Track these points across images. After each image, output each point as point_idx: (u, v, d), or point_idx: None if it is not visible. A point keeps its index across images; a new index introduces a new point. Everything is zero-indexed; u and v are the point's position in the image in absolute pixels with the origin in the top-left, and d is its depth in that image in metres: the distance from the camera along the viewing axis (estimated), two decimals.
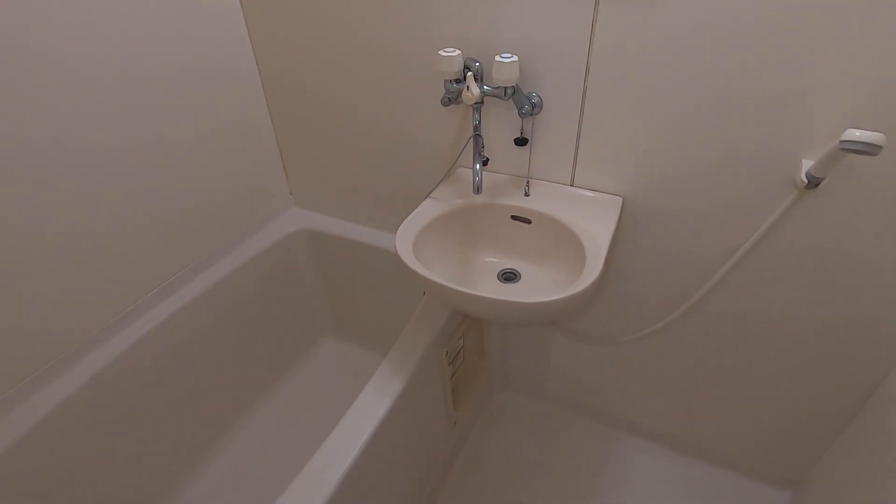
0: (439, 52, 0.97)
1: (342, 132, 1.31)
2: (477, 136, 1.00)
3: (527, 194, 1.09)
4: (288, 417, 1.52)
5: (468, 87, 0.96)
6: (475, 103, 1.00)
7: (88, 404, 1.08)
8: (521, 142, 1.08)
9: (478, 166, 0.93)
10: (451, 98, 1.05)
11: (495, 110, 1.07)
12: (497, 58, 0.93)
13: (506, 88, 0.97)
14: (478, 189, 0.93)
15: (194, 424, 1.35)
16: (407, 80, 1.14)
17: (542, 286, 1.05)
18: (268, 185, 1.47)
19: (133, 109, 1.07)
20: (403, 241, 0.98)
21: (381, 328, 1.60)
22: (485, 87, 0.99)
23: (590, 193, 1.09)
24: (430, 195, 1.11)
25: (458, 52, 0.97)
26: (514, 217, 1.09)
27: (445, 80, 1.03)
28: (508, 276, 1.10)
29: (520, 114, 1.00)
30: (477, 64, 1.00)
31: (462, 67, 1.00)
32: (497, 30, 0.98)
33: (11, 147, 0.89)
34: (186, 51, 1.13)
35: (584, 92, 0.98)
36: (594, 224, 1.00)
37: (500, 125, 1.09)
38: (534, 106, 1.02)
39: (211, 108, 1.23)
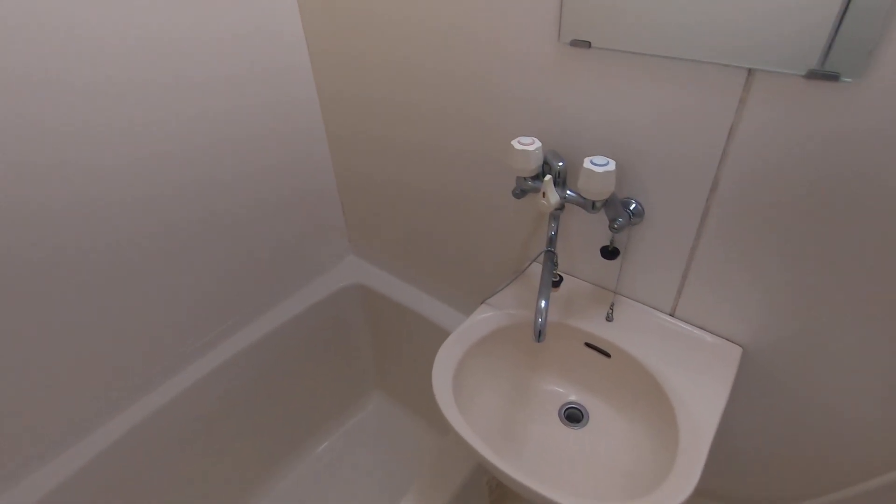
0: (514, 143, 0.76)
1: (404, 194, 1.14)
2: (550, 253, 0.78)
3: (609, 318, 0.85)
4: (328, 472, 1.43)
5: (544, 193, 0.74)
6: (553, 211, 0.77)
7: (144, 441, 1.06)
8: (610, 254, 0.83)
9: (543, 303, 0.71)
10: (525, 191, 0.83)
11: (580, 210, 0.84)
12: (587, 162, 0.69)
13: (594, 201, 0.73)
14: (539, 334, 0.71)
15: (235, 470, 1.30)
16: (475, 156, 0.94)
17: (614, 441, 0.82)
18: (327, 231, 1.35)
19: (199, 147, 0.98)
20: (442, 372, 0.79)
21: (425, 393, 1.45)
22: (568, 193, 0.76)
23: (695, 331, 0.83)
24: (488, 300, 0.91)
25: (537, 145, 0.75)
26: (588, 345, 0.86)
27: (518, 177, 0.81)
28: (573, 415, 0.88)
29: (611, 228, 0.76)
30: (561, 164, 0.77)
31: (541, 164, 0.78)
32: (590, 121, 0.74)
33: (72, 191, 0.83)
34: (254, 91, 1.02)
35: (706, 211, 0.71)
36: (696, 385, 0.74)
37: (585, 227, 0.86)
38: (631, 216, 0.77)
39: (274, 147, 1.12)
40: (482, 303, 0.92)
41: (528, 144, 0.75)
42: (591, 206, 0.74)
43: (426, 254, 1.21)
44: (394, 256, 1.32)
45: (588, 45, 0.69)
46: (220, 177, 1.04)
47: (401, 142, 1.05)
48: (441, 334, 1.22)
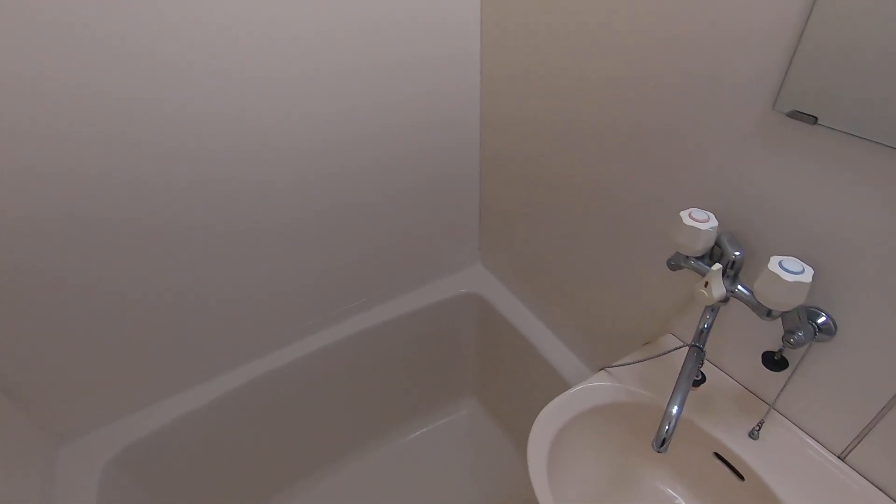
0: (683, 215, 0.64)
1: (546, 219, 1.07)
2: (697, 350, 0.66)
3: (754, 436, 0.71)
4: (409, 461, 1.47)
5: (707, 283, 0.62)
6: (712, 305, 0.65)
7: (264, 389, 1.19)
8: (774, 364, 0.69)
9: (675, 410, 0.61)
10: (682, 267, 0.71)
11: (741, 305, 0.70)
12: (775, 264, 0.56)
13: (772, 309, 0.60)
14: (662, 443, 0.61)
15: (328, 438, 1.40)
16: (633, 206, 0.83)
17: None
18: (461, 235, 1.34)
19: (359, 135, 1.02)
20: (541, 435, 0.73)
21: (520, 418, 1.40)
22: (738, 289, 0.64)
23: (868, 489, 0.65)
24: (609, 368, 0.82)
25: (712, 223, 0.63)
26: (718, 456, 0.73)
27: (679, 252, 0.69)
28: None
29: (786, 341, 0.62)
30: (737, 254, 0.64)
31: (710, 246, 0.65)
32: (791, 210, 0.60)
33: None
34: (419, 77, 1.02)
35: None
36: None
37: (748, 322, 0.71)
38: (817, 332, 0.62)
39: (428, 137, 1.11)
40: (601, 369, 0.83)
41: (702, 221, 0.64)
42: (767, 313, 0.61)
43: (555, 288, 1.13)
44: (520, 277, 1.26)
45: (813, 120, 0.55)
46: (369, 164, 1.07)
47: (555, 166, 0.97)
48: (549, 372, 1.15)
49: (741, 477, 0.71)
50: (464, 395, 1.59)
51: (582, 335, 1.10)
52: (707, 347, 0.80)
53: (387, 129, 1.04)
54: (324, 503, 1.39)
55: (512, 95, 1.00)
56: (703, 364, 0.71)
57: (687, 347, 0.67)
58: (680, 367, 0.66)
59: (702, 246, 0.64)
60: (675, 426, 0.60)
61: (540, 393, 1.24)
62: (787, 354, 0.68)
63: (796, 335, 0.61)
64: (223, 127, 0.86)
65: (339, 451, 1.45)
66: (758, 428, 0.71)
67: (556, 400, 0.78)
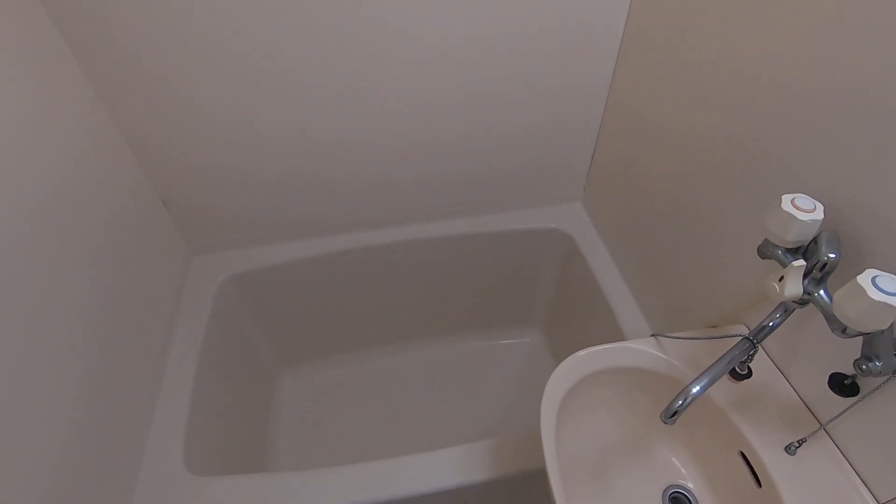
0: (784, 199, 0.57)
1: (652, 180, 0.99)
2: (748, 343, 0.61)
3: (791, 451, 0.66)
4: (462, 366, 1.59)
5: (783, 278, 0.56)
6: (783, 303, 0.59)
7: (371, 257, 1.35)
8: (841, 389, 0.62)
9: (696, 389, 0.58)
10: (770, 258, 0.64)
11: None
12: (867, 279, 0.49)
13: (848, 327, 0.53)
14: (672, 415, 0.59)
15: (402, 319, 1.55)
16: (737, 186, 0.74)
17: None
18: (570, 172, 1.31)
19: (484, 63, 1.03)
20: (563, 377, 0.76)
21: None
22: (818, 294, 0.56)
23: None
24: (660, 336, 0.79)
25: (816, 216, 0.55)
26: (743, 456, 0.70)
27: (767, 240, 0.62)
28: (678, 500, 0.76)
29: (858, 367, 0.54)
30: (832, 256, 0.55)
31: (807, 241, 0.57)
32: None
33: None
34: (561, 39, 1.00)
35: None
36: None
37: (821, 333, 0.63)
38: None
39: (560, 71, 1.08)
40: (653, 335, 0.80)
41: (806, 210, 0.56)
42: (841, 329, 0.54)
43: (644, 248, 1.07)
44: (614, 228, 1.21)
45: None
46: (500, 87, 1.08)
47: (672, 125, 0.88)
48: (614, 327, 1.13)
49: (759, 484, 0.68)
50: (532, 324, 1.63)
51: (657, 301, 1.05)
52: (774, 348, 0.73)
53: (522, 58, 1.03)
54: (379, 375, 1.56)
55: (650, 53, 0.90)
56: (750, 359, 0.66)
57: (740, 338, 0.62)
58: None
59: (793, 237, 0.57)
60: (689, 403, 0.58)
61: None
62: (860, 381, 0.60)
63: (871, 363, 0.54)
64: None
65: (408, 335, 1.60)
66: (797, 444, 0.66)
67: (593, 349, 0.79)
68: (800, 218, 0.55)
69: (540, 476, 0.83)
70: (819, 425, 0.67)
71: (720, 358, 0.61)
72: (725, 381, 0.71)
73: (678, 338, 0.78)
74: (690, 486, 0.77)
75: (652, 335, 0.80)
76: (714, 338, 0.75)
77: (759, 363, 0.74)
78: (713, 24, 0.76)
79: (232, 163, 1.09)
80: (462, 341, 1.63)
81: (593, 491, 0.77)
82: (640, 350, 0.78)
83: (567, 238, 1.35)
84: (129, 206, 0.98)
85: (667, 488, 0.77)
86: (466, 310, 1.57)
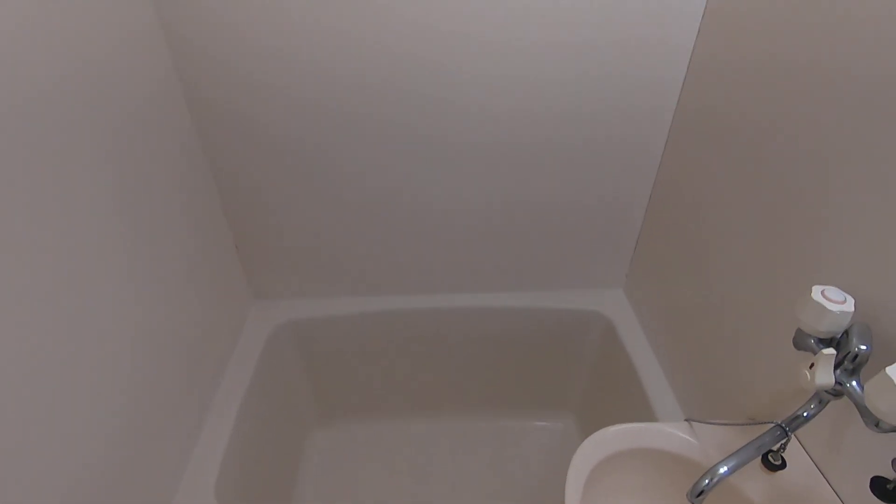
0: (814, 290, 0.60)
1: (696, 272, 1.03)
2: (780, 430, 0.61)
3: None
4: (489, 444, 1.56)
5: (813, 367, 0.58)
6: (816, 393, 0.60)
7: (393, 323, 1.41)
8: (886, 495, 0.59)
9: (723, 469, 0.58)
10: (805, 349, 0.65)
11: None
12: None
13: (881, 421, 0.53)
14: (699, 493, 0.59)
15: (428, 388, 1.56)
16: (780, 280, 0.76)
17: None
18: (615, 251, 1.36)
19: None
20: (589, 453, 0.76)
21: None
22: (851, 385, 0.57)
23: None
24: (694, 422, 0.79)
25: (847, 308, 0.58)
26: None
27: (800, 329, 0.64)
28: None
29: None
30: (863, 348, 0.57)
31: (840, 332, 0.59)
32: None
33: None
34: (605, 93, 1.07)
35: None
36: None
37: (861, 431, 0.62)
38: None
39: (607, 149, 1.15)
40: (686, 420, 0.80)
41: (837, 302, 0.58)
42: (875, 423, 0.54)
43: (686, 338, 1.08)
44: (656, 317, 1.23)
45: None
46: (547, 168, 1.17)
47: (716, 218, 0.93)
48: (648, 415, 1.11)
49: None
50: (566, 408, 1.60)
51: (693, 389, 1.04)
52: (814, 445, 0.72)
53: (570, 130, 1.11)
54: (410, 440, 1.56)
55: (699, 137, 0.98)
56: (783, 449, 0.65)
57: (771, 426, 0.63)
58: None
59: (825, 328, 0.59)
60: (716, 483, 0.58)
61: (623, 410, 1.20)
62: None
63: None
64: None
65: (442, 403, 1.60)
66: None
67: (624, 426, 0.79)
68: (830, 309, 0.58)
69: None
70: None
71: (751, 442, 0.61)
72: (761, 474, 0.70)
73: (712, 423, 0.77)
74: None
75: (685, 420, 0.80)
76: (748, 424, 0.74)
77: (798, 459, 0.72)
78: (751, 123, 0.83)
79: (307, 218, 1.21)
80: (494, 418, 1.62)
81: None
82: (672, 433, 0.78)
83: (607, 321, 1.36)
84: (207, 245, 1.10)
85: None
86: (502, 386, 1.57)
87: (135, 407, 0.82)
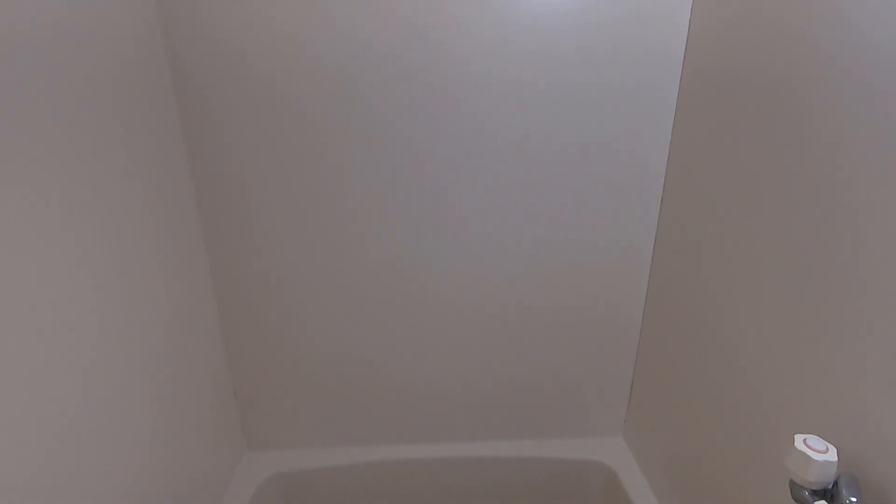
0: (797, 438, 0.62)
1: (699, 420, 1.05)
2: None
3: None
4: None
5: None
6: None
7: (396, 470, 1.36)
8: None
9: None
10: (797, 498, 0.65)
11: None
12: None
13: None
14: None
15: None
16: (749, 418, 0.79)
17: None
18: (611, 395, 1.36)
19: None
20: None
21: None
22: None
23: None
24: None
25: (829, 458, 0.60)
26: None
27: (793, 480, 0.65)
28: None
29: None
30: (853, 500, 0.58)
31: (829, 483, 0.60)
32: None
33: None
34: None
35: None
36: None
37: None
38: None
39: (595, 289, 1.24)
40: None
41: (818, 451, 0.60)
42: None
43: (690, 485, 1.05)
44: (658, 464, 1.19)
45: None
46: (531, 330, 1.24)
47: (715, 351, 0.98)
48: None
49: None
50: None
51: None
52: None
53: (560, 279, 1.22)
54: None
55: (685, 258, 1.08)
56: None
57: None
58: None
59: (813, 478, 0.60)
60: None
61: None
62: None
63: None
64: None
65: None
66: None
67: None
68: (815, 459, 0.60)
69: None
70: None
71: None
72: None
73: None
74: None
75: None
76: None
77: None
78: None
79: (310, 372, 1.25)
80: None
81: None
82: None
83: (606, 470, 1.32)
84: (205, 392, 1.12)
85: None
86: None
87: None
